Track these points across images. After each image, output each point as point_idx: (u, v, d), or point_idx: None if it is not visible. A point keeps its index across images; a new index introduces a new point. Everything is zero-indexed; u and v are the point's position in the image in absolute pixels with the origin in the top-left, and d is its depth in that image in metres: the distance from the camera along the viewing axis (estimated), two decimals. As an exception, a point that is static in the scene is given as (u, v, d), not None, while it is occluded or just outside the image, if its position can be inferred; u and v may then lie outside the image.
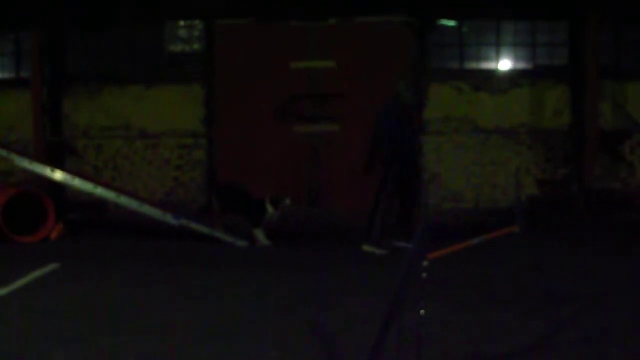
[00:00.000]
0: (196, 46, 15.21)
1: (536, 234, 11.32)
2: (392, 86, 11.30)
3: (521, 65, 15.11)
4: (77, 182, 11.97)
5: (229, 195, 12.25)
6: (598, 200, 14.32)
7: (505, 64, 15.09)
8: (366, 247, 10.82)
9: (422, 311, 5.59)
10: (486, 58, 15.12)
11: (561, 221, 13.58)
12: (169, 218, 11.81)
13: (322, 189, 14.74)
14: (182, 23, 15.26)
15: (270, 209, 11.55)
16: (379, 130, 10.97)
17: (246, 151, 14.76)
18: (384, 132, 10.85)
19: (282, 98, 14.71)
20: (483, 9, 14.66)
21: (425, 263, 5.91)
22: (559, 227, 12.93)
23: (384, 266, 9.47)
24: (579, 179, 14.63)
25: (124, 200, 11.96)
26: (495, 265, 9.42)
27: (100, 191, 11.95)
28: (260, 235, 11.57)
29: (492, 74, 14.99)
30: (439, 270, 6.45)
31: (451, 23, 15.01)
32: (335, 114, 14.62)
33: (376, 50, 14.62)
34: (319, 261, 10.35)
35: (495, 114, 14.75)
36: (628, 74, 14.97)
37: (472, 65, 15.06)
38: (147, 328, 6.65)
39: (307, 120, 14.70)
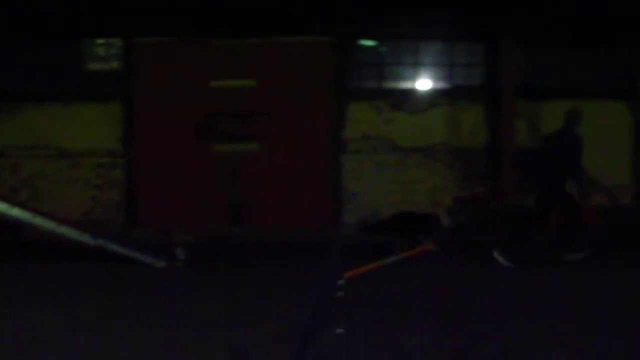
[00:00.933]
0: (115, 64, 15.07)
1: (453, 251, 11.53)
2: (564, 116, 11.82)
3: (439, 85, 15.34)
4: (-9, 203, 11.68)
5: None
6: (515, 217, 14.53)
7: (423, 84, 15.30)
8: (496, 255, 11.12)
9: (340, 330, 5.61)
10: (405, 78, 15.31)
11: (479, 237, 13.73)
12: (87, 238, 11.60)
13: (244, 208, 14.70)
14: (101, 41, 15.11)
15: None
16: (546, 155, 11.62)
17: (166, 170, 14.65)
18: (557, 159, 11.38)
19: (202, 117, 14.66)
20: (402, 30, 14.85)
21: (341, 282, 5.94)
22: (476, 244, 13.08)
23: (306, 284, 9.46)
24: (496, 196, 14.87)
25: (40, 221, 11.68)
26: (413, 283, 9.48)
27: (16, 212, 11.66)
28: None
29: (411, 93, 15.20)
30: (358, 289, 6.49)
31: (371, 43, 15.17)
32: (257, 132, 14.63)
33: (297, 69, 14.70)
34: (239, 280, 10.32)
35: (414, 133, 14.95)
36: (543, 93, 15.31)
37: (391, 85, 15.25)
38: (60, 355, 6.53)
39: (228, 139, 14.66)
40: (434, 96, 15.19)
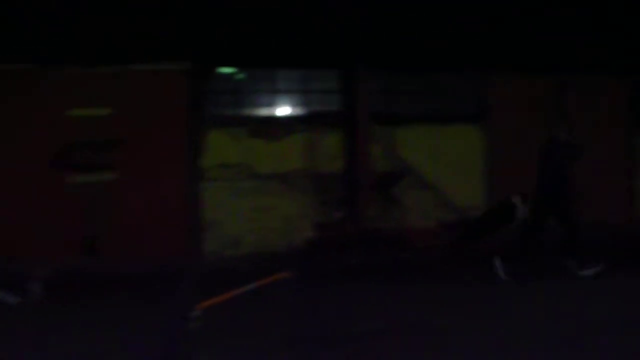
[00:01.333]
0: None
1: (311, 277, 11.61)
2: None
3: (297, 111, 15.49)
4: None
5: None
6: (373, 241, 14.77)
7: (281, 111, 15.42)
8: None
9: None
10: (263, 105, 15.40)
11: (338, 263, 13.86)
12: None
13: (101, 239, 14.40)
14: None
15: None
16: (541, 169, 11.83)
17: (21, 201, 14.19)
18: (546, 170, 11.68)
19: (58, 146, 14.31)
20: (259, 58, 14.93)
21: (196, 313, 5.91)
22: (335, 269, 13.19)
23: (161, 317, 9.32)
24: (355, 220, 15.09)
25: None
26: (270, 310, 9.48)
27: None
28: None
29: (269, 120, 15.28)
30: (213, 319, 6.48)
31: (229, 70, 15.20)
32: (113, 162, 14.38)
33: (154, 97, 14.52)
34: (92, 316, 10.06)
35: (272, 159, 15.03)
36: (398, 119, 15.69)
37: (249, 112, 15.29)
38: None
39: (84, 169, 14.36)
40: (292, 123, 15.34)
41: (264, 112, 15.37)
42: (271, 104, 15.40)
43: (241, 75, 15.28)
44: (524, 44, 15.61)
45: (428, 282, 11.67)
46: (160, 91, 14.54)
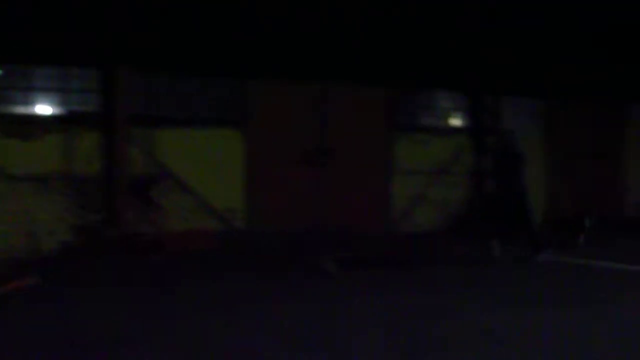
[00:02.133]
0: None
1: (62, 283, 11.28)
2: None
3: (54, 111, 15.03)
4: None
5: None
6: (132, 244, 14.60)
7: (37, 109, 14.91)
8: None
9: None
10: (17, 102, 14.79)
11: (94, 267, 13.48)
12: None
13: None
14: None
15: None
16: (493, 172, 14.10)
17: None
18: (497, 174, 13.88)
19: None
20: (14, 53, 14.33)
21: None
22: (89, 274, 12.80)
23: None
24: (113, 224, 14.84)
25: None
26: (11, 319, 9.09)
27: None
28: None
29: (23, 119, 14.68)
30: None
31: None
32: None
33: None
34: None
35: (26, 160, 14.40)
36: (157, 121, 15.64)
37: (2, 109, 14.63)
38: None
39: None
40: (48, 122, 14.82)
41: (18, 110, 14.76)
42: (26, 101, 14.82)
43: (-3, 71, 14.62)
44: (284, 52, 15.97)
45: (173, 287, 11.53)
46: None
